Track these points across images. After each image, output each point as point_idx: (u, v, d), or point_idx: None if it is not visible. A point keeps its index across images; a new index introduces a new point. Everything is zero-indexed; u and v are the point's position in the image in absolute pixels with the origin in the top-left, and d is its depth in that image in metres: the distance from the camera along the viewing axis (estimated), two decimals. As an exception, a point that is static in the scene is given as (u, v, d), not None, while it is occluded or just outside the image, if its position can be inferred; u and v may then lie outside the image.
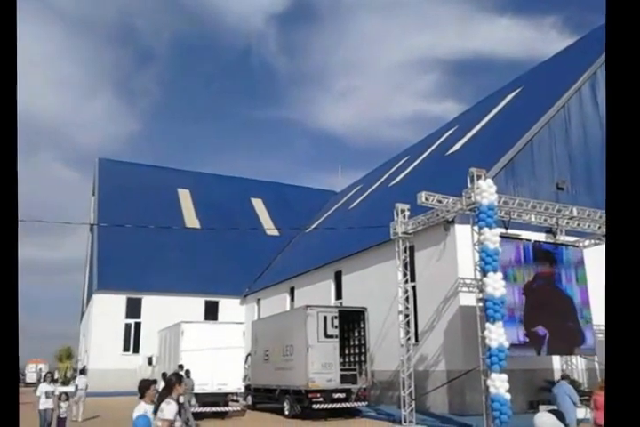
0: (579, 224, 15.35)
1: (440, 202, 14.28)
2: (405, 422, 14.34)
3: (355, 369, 18.20)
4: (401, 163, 31.86)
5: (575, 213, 14.97)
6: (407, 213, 15.73)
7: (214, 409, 17.80)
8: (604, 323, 3.04)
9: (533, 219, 15.23)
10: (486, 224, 12.57)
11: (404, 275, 15.69)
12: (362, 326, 18.35)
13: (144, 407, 5.52)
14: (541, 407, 10.61)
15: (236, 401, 19.41)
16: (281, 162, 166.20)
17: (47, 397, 12.65)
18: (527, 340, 13.53)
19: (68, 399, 13.48)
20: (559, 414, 4.74)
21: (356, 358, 18.53)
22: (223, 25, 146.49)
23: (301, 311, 17.73)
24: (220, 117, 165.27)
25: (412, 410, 14.50)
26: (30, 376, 45.12)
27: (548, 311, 14.13)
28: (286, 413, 17.71)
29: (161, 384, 6.50)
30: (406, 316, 15.55)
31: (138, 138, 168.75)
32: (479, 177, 13.14)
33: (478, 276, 12.89)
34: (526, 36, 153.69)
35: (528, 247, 14.43)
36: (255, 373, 20.93)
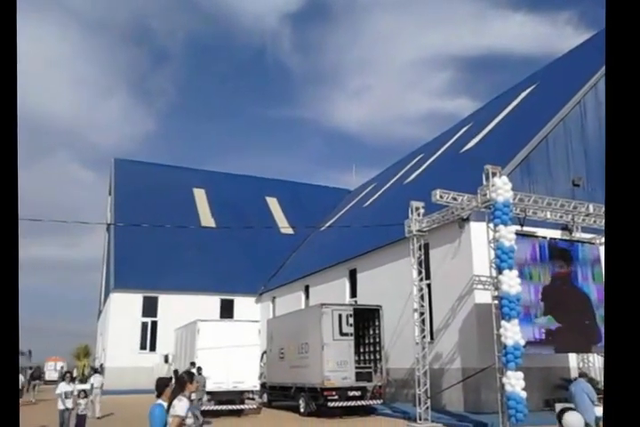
0: (595, 221, 15.21)
1: (455, 199, 14.23)
2: (421, 419, 14.33)
3: (370, 367, 18.20)
4: (415, 161, 31.76)
5: (591, 210, 14.84)
6: (422, 210, 15.69)
7: (230, 407, 17.90)
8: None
9: (549, 216, 15.12)
10: (502, 221, 12.51)
11: (419, 273, 15.66)
12: (377, 323, 18.35)
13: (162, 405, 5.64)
14: (557, 406, 10.51)
15: (252, 399, 19.50)
16: (295, 160, 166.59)
17: (67, 397, 12.80)
18: (543, 337, 13.46)
19: (86, 396, 13.62)
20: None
21: (371, 356, 18.53)
22: (238, 24, 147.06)
23: (316, 309, 17.77)
24: (235, 116, 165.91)
25: (427, 408, 14.48)
26: (50, 374, 45.63)
27: (564, 309, 14.03)
28: (302, 411, 17.76)
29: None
30: (421, 314, 15.52)
31: (153, 138, 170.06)
32: (494, 174, 13.07)
33: (494, 273, 12.84)
34: (541, 32, 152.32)
35: (544, 245, 14.31)
36: (271, 371, 21.02)
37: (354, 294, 23.78)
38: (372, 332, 18.69)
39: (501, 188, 12.73)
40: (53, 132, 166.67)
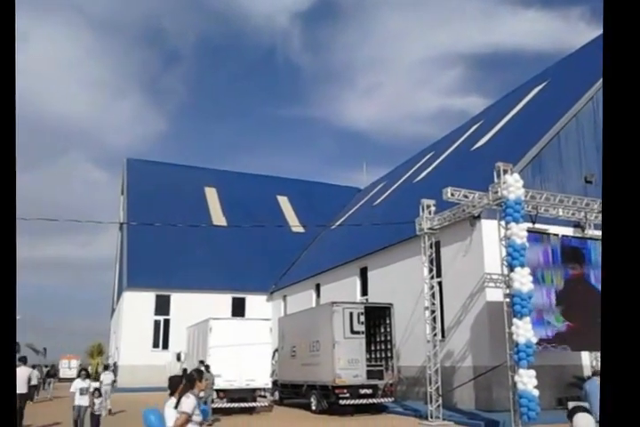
0: (608, 218, 15.06)
1: (466, 197, 14.18)
2: (432, 417, 14.33)
3: (381, 365, 18.21)
4: (426, 158, 31.65)
5: (604, 207, 14.69)
6: (433, 208, 15.66)
7: (242, 405, 17.96)
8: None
9: (561, 213, 15.03)
10: (513, 219, 12.45)
11: (430, 271, 15.63)
12: (388, 321, 18.35)
13: (174, 403, 5.72)
14: (570, 404, 10.46)
15: (264, 397, 19.58)
16: (306, 159, 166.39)
17: (82, 393, 12.89)
18: (556, 335, 13.37)
19: (100, 395, 13.70)
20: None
21: (383, 354, 18.54)
22: (248, 24, 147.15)
23: (327, 308, 17.80)
24: (246, 116, 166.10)
25: (438, 406, 14.47)
26: (64, 372, 45.99)
27: (577, 308, 13.92)
28: (313, 408, 17.82)
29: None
30: (432, 312, 15.50)
31: (165, 138, 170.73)
32: (505, 171, 13.01)
33: (505, 271, 12.77)
34: (553, 28, 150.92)
35: (556, 248, 14.17)
36: (282, 369, 21.08)
37: (365, 292, 23.77)
38: (383, 330, 18.70)
39: (513, 185, 12.66)
40: (67, 133, 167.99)
